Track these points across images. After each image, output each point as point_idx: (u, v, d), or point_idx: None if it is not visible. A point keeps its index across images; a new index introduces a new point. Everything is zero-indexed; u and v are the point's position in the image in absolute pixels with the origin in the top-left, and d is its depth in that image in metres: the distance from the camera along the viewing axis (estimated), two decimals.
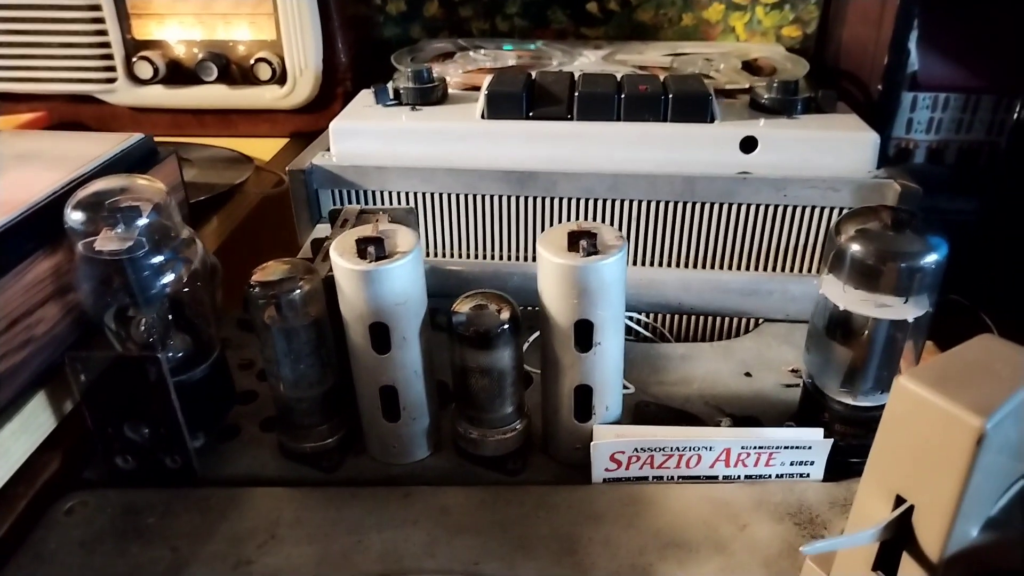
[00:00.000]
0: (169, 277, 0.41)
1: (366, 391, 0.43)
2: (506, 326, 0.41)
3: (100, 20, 0.75)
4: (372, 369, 0.42)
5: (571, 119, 0.60)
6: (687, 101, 0.59)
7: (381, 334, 0.41)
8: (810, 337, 0.44)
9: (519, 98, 0.60)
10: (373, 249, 0.39)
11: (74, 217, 0.38)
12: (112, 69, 0.77)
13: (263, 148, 0.78)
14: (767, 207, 0.58)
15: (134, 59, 0.75)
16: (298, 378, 0.44)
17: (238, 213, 0.67)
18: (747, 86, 0.67)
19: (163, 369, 0.40)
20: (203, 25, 0.76)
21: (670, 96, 0.59)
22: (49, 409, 0.44)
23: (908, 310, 0.40)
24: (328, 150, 0.62)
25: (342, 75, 0.78)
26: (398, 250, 0.40)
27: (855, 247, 0.40)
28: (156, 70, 0.76)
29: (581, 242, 0.39)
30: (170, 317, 0.43)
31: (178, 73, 0.77)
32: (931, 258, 0.39)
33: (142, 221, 0.39)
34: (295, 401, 0.44)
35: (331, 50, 0.76)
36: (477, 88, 0.67)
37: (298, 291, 0.41)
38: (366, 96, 0.66)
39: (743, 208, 0.59)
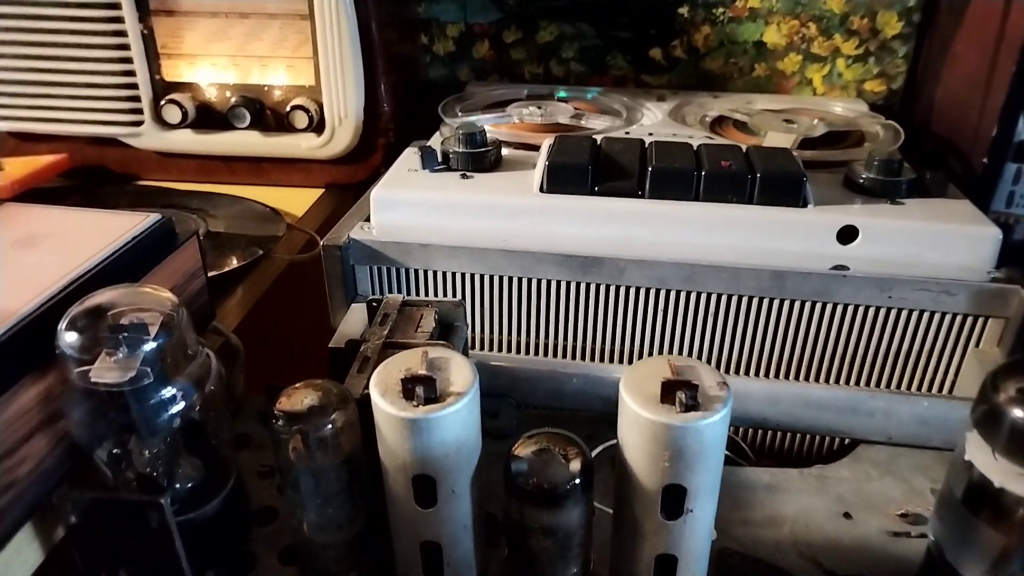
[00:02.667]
0: (179, 406, 0.34)
1: (405, 545, 0.36)
2: (577, 480, 0.34)
3: (127, 60, 0.69)
4: (413, 523, 0.35)
5: (642, 196, 0.53)
6: (777, 182, 0.52)
7: (426, 487, 0.34)
8: (942, 503, 0.36)
9: (583, 171, 0.54)
10: (422, 390, 0.32)
11: (67, 339, 0.32)
12: (139, 112, 0.71)
13: (296, 200, 0.72)
14: (868, 309, 0.51)
15: (162, 102, 0.70)
16: (325, 522, 0.37)
17: (264, 280, 0.61)
18: (840, 159, 0.60)
19: (166, 516, 0.33)
20: (237, 67, 0.70)
21: (757, 175, 0.52)
22: (36, 542, 0.37)
23: None
24: (367, 220, 0.56)
25: (384, 125, 0.71)
26: (451, 390, 0.33)
27: (1019, 413, 0.32)
28: (185, 114, 0.70)
29: (679, 394, 0.31)
30: (179, 444, 0.37)
31: (208, 117, 0.72)
32: None
33: (148, 345, 0.32)
34: (320, 547, 0.37)
35: (374, 98, 0.70)
36: (532, 146, 0.61)
37: (330, 426, 0.35)
38: (411, 157, 0.60)
39: (840, 309, 0.51)
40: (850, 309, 0.51)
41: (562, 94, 0.80)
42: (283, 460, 0.36)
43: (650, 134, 0.62)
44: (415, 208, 0.55)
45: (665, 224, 0.52)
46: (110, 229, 0.41)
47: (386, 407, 0.32)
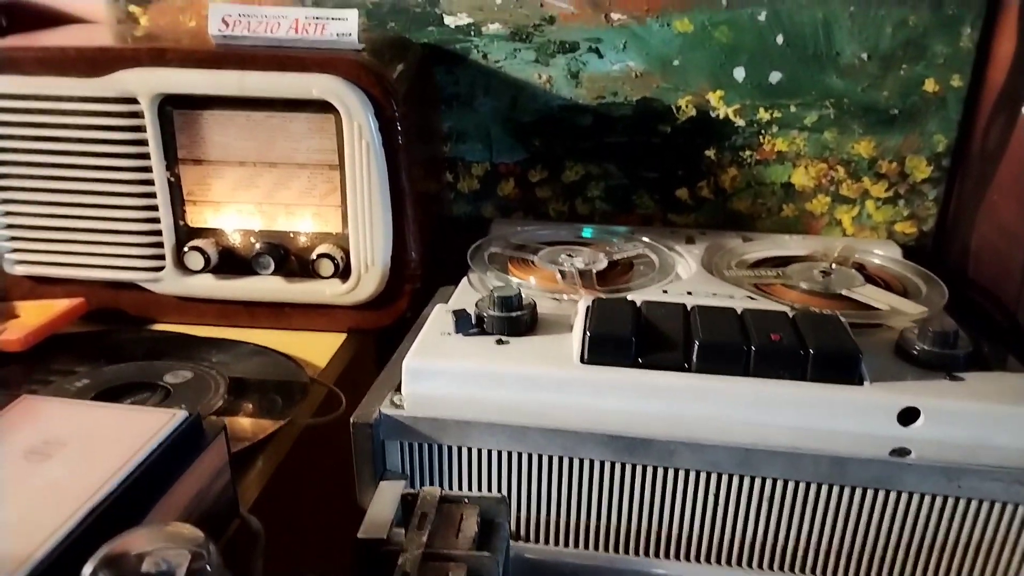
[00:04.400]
0: None
1: None
2: None
3: (152, 207, 0.68)
4: None
5: (689, 370, 0.51)
6: (832, 359, 0.50)
7: None
8: None
9: (627, 343, 0.51)
10: None
11: None
12: (160, 258, 0.70)
13: (318, 345, 0.70)
14: (934, 498, 0.47)
15: (185, 248, 0.68)
16: None
17: (284, 445, 0.58)
18: (886, 322, 0.58)
19: None
20: (263, 214, 0.69)
21: (810, 351, 0.50)
22: None
23: None
24: (398, 390, 0.53)
25: (412, 271, 0.70)
26: None
27: None
28: (207, 260, 0.69)
29: None
30: None
31: (231, 262, 0.70)
32: None
33: None
34: None
35: (401, 246, 0.69)
36: (564, 295, 0.59)
37: None
38: (443, 317, 0.58)
39: (903, 498, 0.48)
40: (915, 498, 0.48)
41: (588, 233, 0.79)
42: None
43: (689, 293, 0.61)
44: (449, 378, 0.52)
45: (714, 401, 0.50)
46: (133, 431, 0.38)
47: None
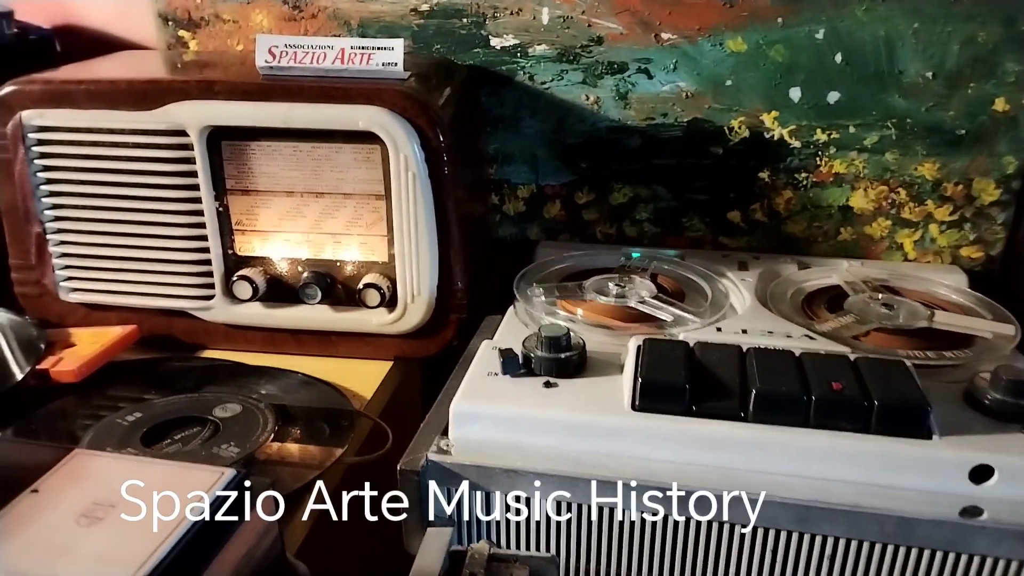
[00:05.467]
0: None
1: None
2: None
3: (202, 237, 0.69)
4: None
5: (745, 420, 0.49)
6: (898, 412, 0.47)
7: None
8: None
9: (680, 390, 0.50)
10: None
11: None
12: (210, 286, 0.70)
13: (364, 373, 0.70)
14: (1009, 563, 0.45)
15: (234, 278, 0.69)
16: None
17: (330, 482, 0.58)
18: (952, 363, 0.55)
19: None
20: (310, 243, 0.69)
21: (875, 403, 0.47)
22: None
23: None
24: (445, 433, 0.52)
25: (458, 302, 0.69)
26: None
27: None
28: (256, 290, 0.69)
29: None
30: None
31: (279, 290, 0.70)
32: None
33: None
34: None
35: (448, 275, 0.68)
36: (614, 329, 0.58)
37: None
38: (489, 356, 0.57)
39: (975, 563, 0.45)
40: (988, 562, 0.45)
41: (636, 255, 0.77)
42: None
43: (744, 331, 0.59)
44: (497, 422, 0.51)
45: (772, 453, 0.48)
46: (182, 490, 0.38)
47: None
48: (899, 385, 0.49)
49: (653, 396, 0.50)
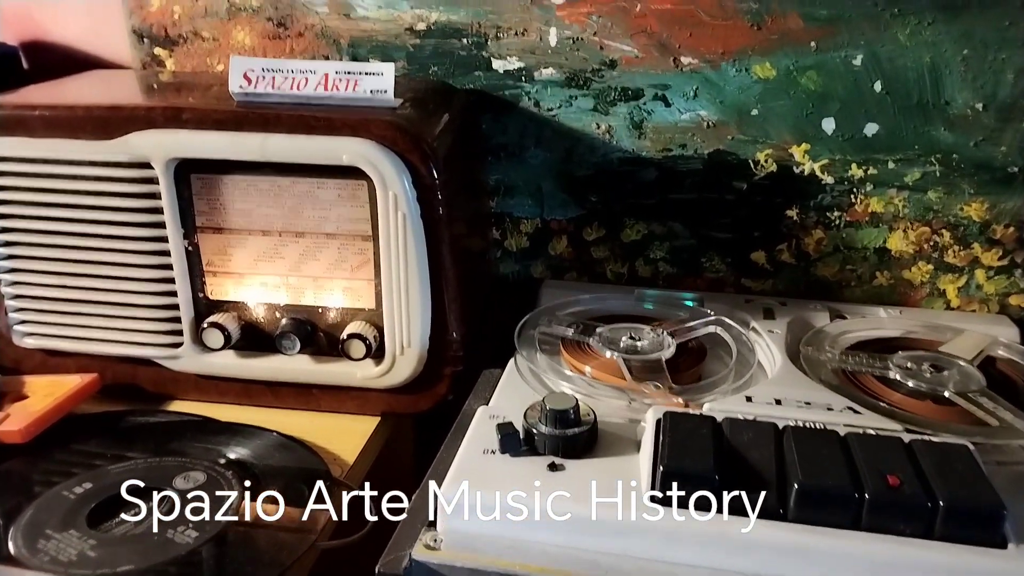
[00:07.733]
0: None
1: None
2: None
3: (169, 280, 0.62)
4: None
5: (784, 518, 0.42)
6: (967, 515, 0.40)
7: None
8: None
9: (707, 481, 0.42)
10: None
11: None
12: (178, 333, 0.63)
13: (348, 431, 0.63)
14: None
15: (204, 325, 0.62)
16: None
17: (303, 567, 0.51)
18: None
19: None
20: (289, 287, 0.62)
21: (940, 504, 0.40)
22: None
23: None
24: (432, 525, 0.45)
25: (453, 354, 0.62)
26: None
27: None
28: (228, 338, 0.62)
29: None
30: None
31: (254, 337, 0.63)
32: None
33: None
34: None
35: (441, 325, 0.61)
36: (628, 392, 0.51)
37: None
38: (485, 427, 0.50)
39: None
40: None
41: (648, 305, 0.70)
42: None
43: (778, 401, 0.51)
44: (493, 512, 0.44)
45: (816, 560, 0.41)
46: None
47: None
48: (966, 480, 0.42)
49: (676, 486, 0.43)
